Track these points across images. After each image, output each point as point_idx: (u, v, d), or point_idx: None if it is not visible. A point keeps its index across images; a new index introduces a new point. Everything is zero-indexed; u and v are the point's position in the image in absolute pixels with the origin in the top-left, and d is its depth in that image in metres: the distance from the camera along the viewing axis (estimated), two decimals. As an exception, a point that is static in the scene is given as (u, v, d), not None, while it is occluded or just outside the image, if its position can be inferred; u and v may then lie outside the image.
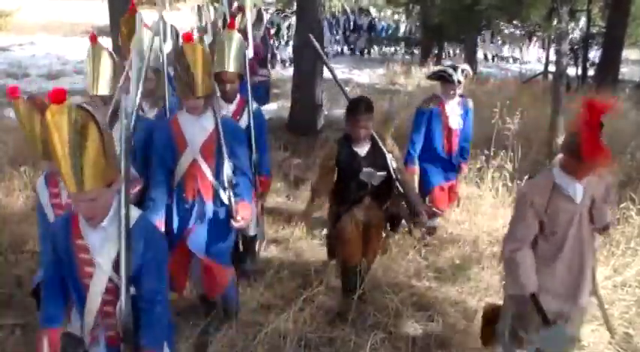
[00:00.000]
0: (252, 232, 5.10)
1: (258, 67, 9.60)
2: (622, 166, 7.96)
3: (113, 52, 4.25)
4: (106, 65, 4.11)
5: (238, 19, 7.93)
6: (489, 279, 5.51)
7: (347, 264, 4.83)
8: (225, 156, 4.03)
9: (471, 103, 6.14)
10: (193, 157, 4.05)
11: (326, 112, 11.16)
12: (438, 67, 5.83)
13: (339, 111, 11.62)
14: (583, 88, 15.39)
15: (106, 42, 8.62)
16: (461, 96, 6.02)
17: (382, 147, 4.57)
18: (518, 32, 25.98)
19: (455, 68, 5.77)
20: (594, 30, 18.94)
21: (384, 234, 4.96)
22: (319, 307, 4.89)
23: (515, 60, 27.43)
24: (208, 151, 4.06)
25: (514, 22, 17.76)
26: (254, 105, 5.01)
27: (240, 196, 4.09)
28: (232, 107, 4.87)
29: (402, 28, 27.88)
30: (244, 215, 4.04)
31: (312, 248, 6.15)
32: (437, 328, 4.73)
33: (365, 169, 4.50)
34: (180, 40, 4.21)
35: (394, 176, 4.58)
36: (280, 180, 8.03)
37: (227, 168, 4.01)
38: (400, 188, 4.62)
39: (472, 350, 4.50)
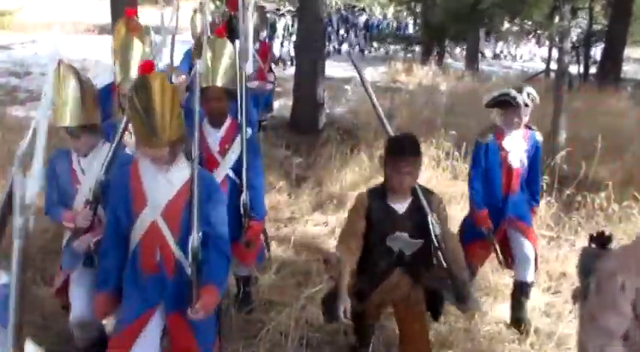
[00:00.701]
0: (243, 272, 4.80)
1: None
2: (624, 165, 7.96)
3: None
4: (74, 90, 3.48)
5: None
6: (491, 277, 5.50)
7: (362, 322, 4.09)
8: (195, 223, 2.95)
9: (539, 136, 4.93)
10: (153, 219, 3.08)
11: (327, 111, 11.16)
12: (499, 91, 4.77)
13: (341, 110, 11.65)
14: (585, 87, 15.38)
15: (108, 40, 8.67)
16: (527, 127, 4.87)
17: (425, 205, 3.48)
18: (514, 29, 26.04)
19: (519, 90, 4.69)
20: (596, 28, 18.93)
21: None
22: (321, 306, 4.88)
23: (508, 56, 27.59)
24: (173, 214, 3.07)
25: (516, 20, 17.73)
26: (248, 131, 4.21)
27: (207, 280, 2.99)
28: (220, 133, 4.17)
29: (395, 25, 27.90)
30: (206, 305, 2.95)
31: (314, 246, 6.14)
32: (438, 327, 4.72)
33: (395, 234, 3.50)
34: (136, 71, 3.67)
35: (437, 244, 3.51)
36: (282, 178, 8.04)
37: (195, 240, 2.91)
38: (444, 261, 3.53)
39: (474, 349, 4.50)
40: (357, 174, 7.97)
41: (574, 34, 16.89)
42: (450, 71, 18.55)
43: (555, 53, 15.59)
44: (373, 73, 18.93)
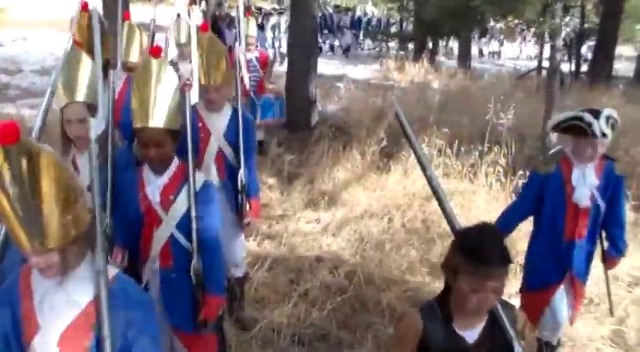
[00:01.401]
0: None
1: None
2: (616, 162, 7.98)
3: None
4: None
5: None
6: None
7: None
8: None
9: (616, 168, 3.98)
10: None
11: (320, 108, 11.14)
12: (571, 113, 3.69)
13: (333, 108, 11.64)
14: (577, 84, 15.44)
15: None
16: (606, 158, 3.90)
17: (509, 330, 2.38)
18: (500, 27, 26.18)
19: (596, 114, 3.59)
20: (588, 26, 19.00)
21: None
22: (313, 303, 4.90)
23: (494, 54, 27.70)
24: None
25: (508, 17, 17.77)
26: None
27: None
28: (163, 179, 3.16)
29: (386, 21, 27.83)
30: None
31: (306, 243, 6.15)
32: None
33: None
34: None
35: None
36: (274, 175, 8.04)
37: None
38: None
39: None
40: (350, 172, 7.97)
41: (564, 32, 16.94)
42: (442, 69, 18.57)
43: (547, 51, 15.64)
44: (365, 71, 18.94)
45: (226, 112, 4.27)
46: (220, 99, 4.17)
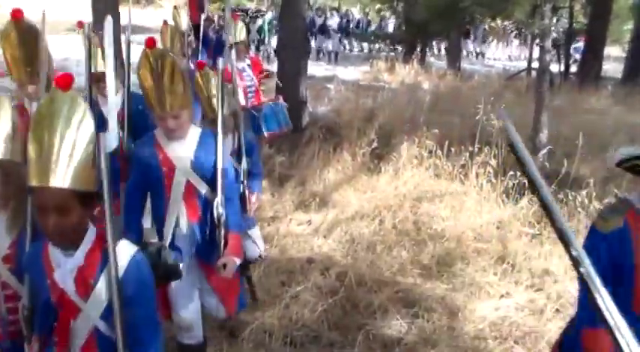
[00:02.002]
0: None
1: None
2: (605, 162, 8.03)
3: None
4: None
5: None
6: (474, 275, 5.53)
7: None
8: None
9: None
10: None
11: (310, 109, 11.13)
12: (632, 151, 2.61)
13: (324, 109, 11.63)
14: (566, 85, 15.51)
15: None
16: None
17: None
18: (485, 28, 26.30)
19: None
20: (577, 27, 19.09)
21: None
22: (304, 304, 4.89)
23: (477, 55, 27.83)
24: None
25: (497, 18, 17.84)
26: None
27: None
28: (76, 260, 2.30)
29: (377, 22, 27.76)
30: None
31: (297, 245, 6.14)
32: (422, 324, 4.74)
33: None
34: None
35: None
36: (265, 177, 8.02)
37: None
38: None
39: (457, 346, 4.52)
40: (340, 173, 7.98)
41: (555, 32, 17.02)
42: (432, 70, 18.62)
43: (536, 52, 15.70)
44: (355, 72, 18.95)
45: (192, 137, 3.61)
46: (180, 126, 3.50)
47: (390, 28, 26.59)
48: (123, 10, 10.46)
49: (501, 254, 5.87)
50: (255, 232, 4.97)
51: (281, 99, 7.82)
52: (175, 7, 9.49)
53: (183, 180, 3.58)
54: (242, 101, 7.01)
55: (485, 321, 4.81)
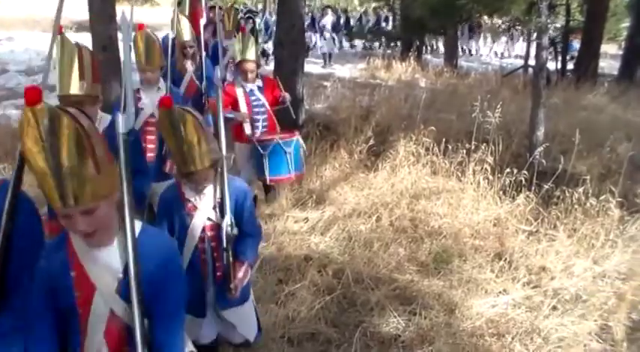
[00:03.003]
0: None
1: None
2: (601, 159, 8.05)
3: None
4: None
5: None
6: (471, 272, 5.53)
7: None
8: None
9: None
10: None
11: (307, 107, 11.13)
12: None
13: (320, 106, 11.64)
14: (563, 82, 15.52)
15: (86, 37, 8.58)
16: None
17: None
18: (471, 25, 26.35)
19: None
20: (573, 24, 19.12)
21: None
22: (302, 302, 4.89)
23: (471, 52, 27.90)
24: None
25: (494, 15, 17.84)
26: None
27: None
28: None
29: (374, 19, 27.74)
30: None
31: (294, 243, 6.13)
32: (420, 321, 4.74)
33: None
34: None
35: None
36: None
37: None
38: None
39: (455, 343, 4.52)
40: (337, 170, 7.98)
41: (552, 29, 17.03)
42: (429, 67, 18.62)
43: (533, 49, 15.71)
44: (352, 69, 18.94)
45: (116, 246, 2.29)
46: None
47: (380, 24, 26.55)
48: (119, 8, 10.43)
49: (498, 251, 5.87)
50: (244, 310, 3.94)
51: (297, 134, 6.52)
52: (176, 13, 7.53)
53: (104, 307, 2.32)
54: (247, 130, 6.41)
55: (482, 318, 4.81)
